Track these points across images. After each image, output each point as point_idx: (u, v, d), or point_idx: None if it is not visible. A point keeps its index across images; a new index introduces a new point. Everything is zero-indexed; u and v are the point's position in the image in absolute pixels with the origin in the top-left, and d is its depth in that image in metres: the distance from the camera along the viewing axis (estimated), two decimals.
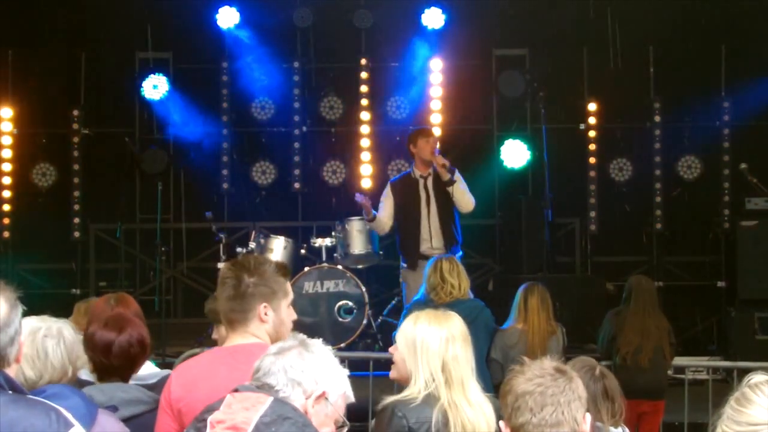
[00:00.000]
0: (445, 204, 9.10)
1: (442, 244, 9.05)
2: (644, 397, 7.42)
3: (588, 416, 2.86)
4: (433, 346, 3.84)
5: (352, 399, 3.02)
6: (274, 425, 2.75)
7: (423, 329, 3.89)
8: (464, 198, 9.12)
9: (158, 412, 3.63)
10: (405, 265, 9.24)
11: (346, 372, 3.02)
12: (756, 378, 2.78)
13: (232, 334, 3.64)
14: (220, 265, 10.28)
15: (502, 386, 2.91)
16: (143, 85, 11.51)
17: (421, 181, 9.21)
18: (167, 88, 11.50)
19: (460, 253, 9.18)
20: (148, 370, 4.16)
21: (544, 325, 7.07)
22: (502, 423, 2.86)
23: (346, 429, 3.02)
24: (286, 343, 2.98)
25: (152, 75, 11.53)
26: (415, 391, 3.83)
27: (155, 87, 11.50)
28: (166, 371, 4.26)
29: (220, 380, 3.30)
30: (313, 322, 9.86)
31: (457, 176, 9.11)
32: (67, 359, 3.45)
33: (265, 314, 3.62)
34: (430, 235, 9.11)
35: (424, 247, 9.10)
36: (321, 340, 3.04)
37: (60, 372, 3.43)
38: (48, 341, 3.43)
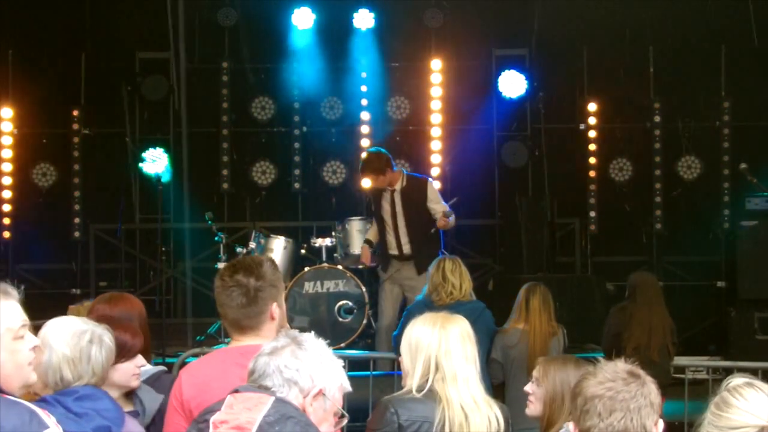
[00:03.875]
0: (416, 219, 9.02)
1: (411, 254, 9.04)
2: None
3: (661, 423, 2.79)
4: (424, 342, 3.85)
5: (348, 388, 3.00)
6: (278, 424, 2.74)
7: (418, 328, 3.91)
8: (448, 227, 9.08)
9: (168, 412, 3.63)
10: (380, 268, 9.35)
11: (341, 362, 2.99)
12: (734, 381, 2.79)
13: (242, 336, 3.64)
14: (220, 265, 10.29)
15: (573, 386, 2.85)
16: (143, 83, 11.50)
17: (388, 194, 9.15)
18: (166, 92, 11.48)
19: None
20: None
21: (545, 326, 7.06)
22: (571, 425, 2.81)
23: (345, 420, 3.00)
24: (278, 341, 2.95)
25: (154, 75, 11.53)
26: (409, 387, 3.84)
27: (155, 87, 11.50)
28: (159, 368, 4.24)
29: (233, 380, 3.26)
30: (313, 322, 9.86)
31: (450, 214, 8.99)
32: (106, 366, 3.46)
33: (275, 312, 3.64)
34: (400, 244, 9.13)
35: (394, 252, 9.15)
36: (312, 333, 3.01)
37: (97, 378, 3.43)
38: (93, 347, 3.44)
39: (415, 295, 8.90)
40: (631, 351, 7.38)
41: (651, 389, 2.77)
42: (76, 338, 3.42)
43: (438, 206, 9.02)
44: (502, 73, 11.51)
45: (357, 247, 10.16)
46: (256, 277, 3.61)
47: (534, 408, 4.11)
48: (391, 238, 9.15)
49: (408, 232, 9.06)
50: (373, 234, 9.46)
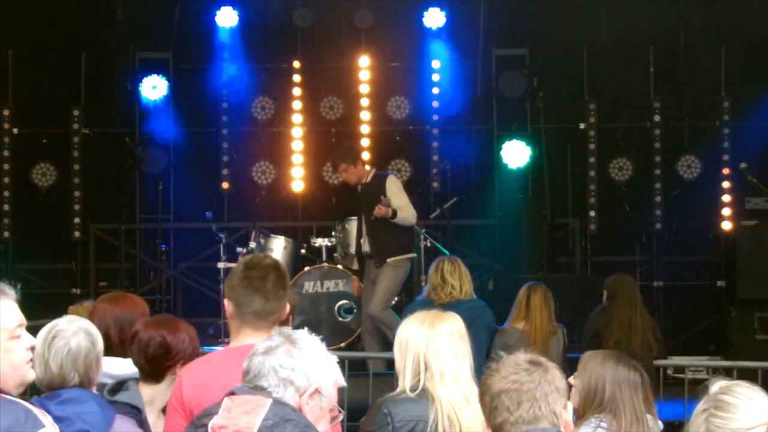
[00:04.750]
0: (372, 214, 8.99)
1: (370, 250, 9.04)
2: None
3: (570, 405, 2.82)
4: (413, 341, 3.85)
5: (343, 384, 2.98)
6: (277, 428, 2.74)
7: (408, 327, 3.91)
8: (405, 221, 8.98)
9: (168, 412, 3.61)
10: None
11: (335, 359, 2.97)
12: (720, 383, 2.79)
13: (256, 333, 3.57)
14: (220, 265, 10.29)
15: (480, 385, 2.86)
16: (142, 83, 11.51)
17: (359, 187, 9.20)
18: (166, 92, 11.49)
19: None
20: (125, 369, 4.01)
21: (545, 323, 7.07)
22: (484, 423, 2.82)
23: (341, 417, 3.00)
24: (272, 341, 2.93)
25: (153, 75, 11.53)
26: (402, 387, 3.85)
27: (154, 87, 11.51)
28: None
29: (233, 381, 3.22)
30: (313, 321, 9.86)
31: (395, 205, 8.89)
32: (69, 366, 3.42)
33: (286, 311, 3.65)
34: (361, 243, 9.16)
35: (364, 248, 9.16)
36: (306, 329, 2.99)
37: (58, 377, 3.40)
38: (56, 342, 3.43)
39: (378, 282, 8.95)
40: (613, 346, 7.38)
41: (555, 375, 2.78)
42: (44, 334, 3.43)
43: (395, 200, 8.91)
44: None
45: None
46: (282, 272, 3.65)
47: (573, 399, 4.16)
48: (361, 235, 9.19)
49: (367, 229, 9.05)
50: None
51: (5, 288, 2.81)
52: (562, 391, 2.78)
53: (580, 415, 4.07)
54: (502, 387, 2.75)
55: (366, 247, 9.08)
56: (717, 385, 2.80)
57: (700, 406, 2.79)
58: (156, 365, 3.87)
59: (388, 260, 8.88)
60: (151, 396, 3.84)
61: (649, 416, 4.02)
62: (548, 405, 2.73)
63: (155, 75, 11.56)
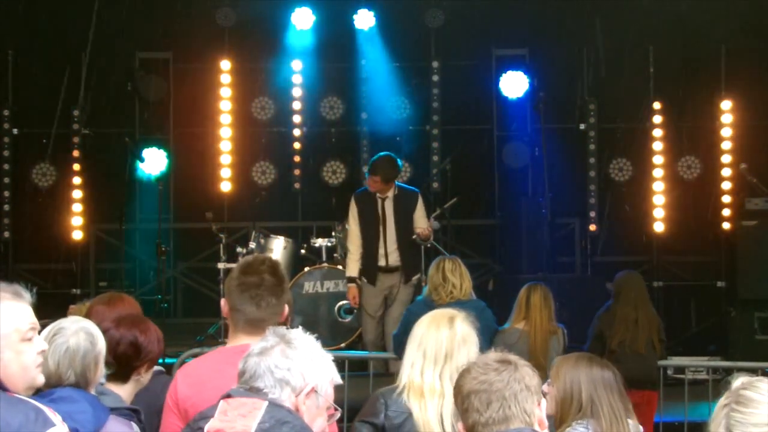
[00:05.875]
0: (404, 228, 8.99)
1: (399, 264, 9.03)
2: (635, 387, 7.39)
3: (544, 402, 2.79)
4: (423, 338, 3.92)
5: (339, 381, 2.98)
6: (273, 431, 2.74)
7: (421, 325, 3.99)
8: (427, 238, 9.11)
9: (164, 412, 3.60)
10: (364, 279, 9.16)
11: (330, 357, 2.97)
12: (742, 379, 2.77)
13: (251, 337, 3.51)
14: (220, 265, 10.29)
15: (453, 387, 2.86)
16: (142, 82, 11.52)
17: (380, 201, 9.09)
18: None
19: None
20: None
21: (545, 323, 7.07)
22: (459, 424, 2.82)
23: (338, 415, 3.00)
24: (267, 341, 2.92)
25: (153, 76, 11.57)
26: (403, 381, 3.90)
27: (154, 88, 11.53)
28: (156, 368, 4.05)
29: (228, 380, 3.20)
30: (313, 321, 9.86)
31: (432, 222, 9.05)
32: (66, 365, 3.41)
33: (285, 312, 3.63)
34: (387, 253, 9.06)
35: (382, 263, 9.07)
36: (300, 328, 2.99)
37: (54, 375, 3.40)
38: (56, 339, 3.42)
39: (399, 301, 8.93)
40: (616, 345, 7.38)
41: (524, 372, 2.77)
42: (47, 331, 3.43)
43: (422, 220, 9.05)
44: (504, 74, 11.49)
45: None
46: (280, 277, 3.62)
47: (549, 407, 4.14)
48: (377, 247, 9.08)
49: (397, 242, 9.02)
50: (355, 248, 9.20)
51: (20, 290, 2.82)
52: (534, 388, 2.76)
53: (558, 423, 4.03)
54: (472, 388, 2.74)
55: (391, 261, 9.04)
56: (739, 381, 2.78)
57: (722, 401, 2.77)
58: (124, 364, 3.81)
59: (413, 278, 8.98)
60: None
61: (630, 421, 3.98)
62: (518, 404, 2.72)
63: (154, 76, 11.58)
